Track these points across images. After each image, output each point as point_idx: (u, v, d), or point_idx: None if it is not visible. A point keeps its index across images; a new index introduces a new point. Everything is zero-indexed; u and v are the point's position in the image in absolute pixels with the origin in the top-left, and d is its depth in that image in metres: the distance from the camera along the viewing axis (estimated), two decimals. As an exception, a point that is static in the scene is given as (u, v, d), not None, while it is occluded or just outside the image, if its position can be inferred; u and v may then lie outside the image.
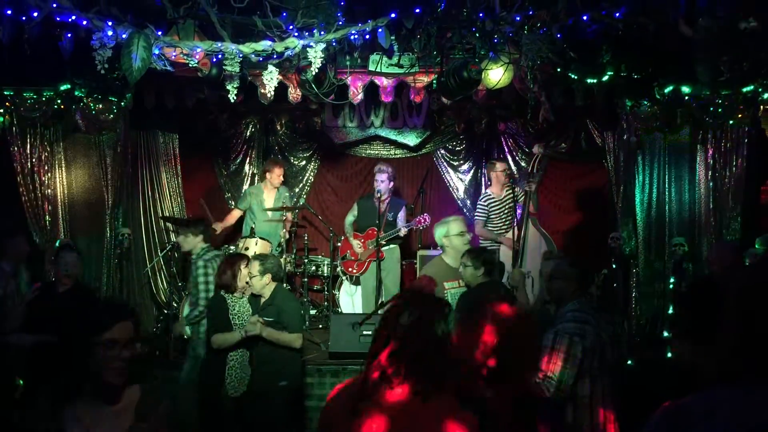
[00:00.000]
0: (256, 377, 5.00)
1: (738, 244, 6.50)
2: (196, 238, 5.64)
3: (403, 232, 7.19)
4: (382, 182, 7.13)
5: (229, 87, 5.46)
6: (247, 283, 5.07)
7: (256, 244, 7.24)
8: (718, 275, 4.15)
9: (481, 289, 4.69)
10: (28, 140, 7.19)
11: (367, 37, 5.20)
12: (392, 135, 8.91)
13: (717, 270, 4.25)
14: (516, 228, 6.82)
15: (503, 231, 7.27)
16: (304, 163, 9.21)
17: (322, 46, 4.97)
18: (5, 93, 6.85)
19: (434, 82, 6.51)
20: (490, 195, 7.43)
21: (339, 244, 7.97)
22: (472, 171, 9.16)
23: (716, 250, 5.98)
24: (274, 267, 5.02)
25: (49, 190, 7.30)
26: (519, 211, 7.04)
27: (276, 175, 7.91)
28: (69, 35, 5.10)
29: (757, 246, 6.20)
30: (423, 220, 7.13)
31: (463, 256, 4.88)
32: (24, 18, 4.45)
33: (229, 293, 5.09)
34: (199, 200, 8.44)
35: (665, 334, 6.77)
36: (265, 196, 7.94)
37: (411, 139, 8.93)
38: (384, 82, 6.86)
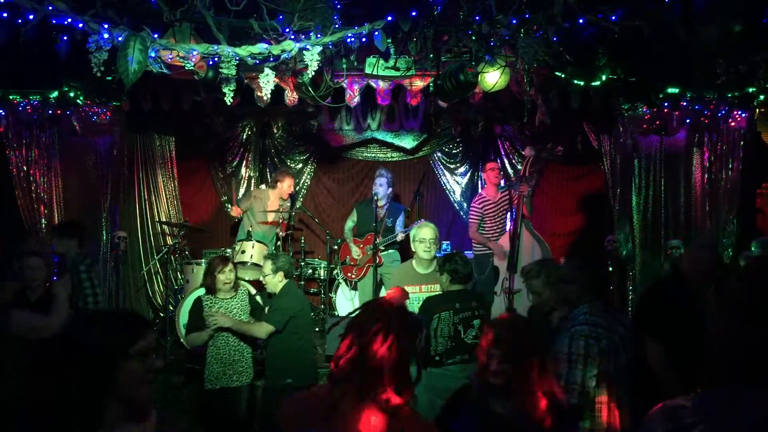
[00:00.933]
0: (268, 374, 5.10)
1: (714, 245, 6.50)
2: (71, 241, 5.58)
3: (400, 237, 7.18)
4: (381, 186, 7.11)
5: (225, 90, 5.46)
6: (226, 284, 5.12)
7: (253, 247, 7.23)
8: (691, 278, 4.15)
9: (437, 298, 4.74)
10: (24, 143, 7.19)
11: (364, 40, 5.20)
12: (389, 138, 8.91)
13: (692, 273, 4.23)
14: (509, 231, 6.82)
15: (497, 235, 7.27)
16: (300, 166, 9.20)
17: (319, 48, 4.97)
18: (1, 96, 6.84)
19: (431, 85, 6.51)
20: (484, 197, 7.42)
21: (336, 247, 7.95)
22: (468, 174, 9.17)
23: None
24: (285, 265, 5.11)
25: (45, 193, 7.29)
26: (514, 214, 7.04)
27: (287, 185, 7.86)
28: (65, 38, 5.09)
29: (753, 249, 6.21)
30: None
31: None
32: (20, 21, 4.44)
33: (211, 295, 5.15)
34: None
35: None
36: (269, 204, 7.87)
37: (408, 142, 8.94)
38: (380, 85, 6.86)
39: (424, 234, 5.21)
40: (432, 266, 5.14)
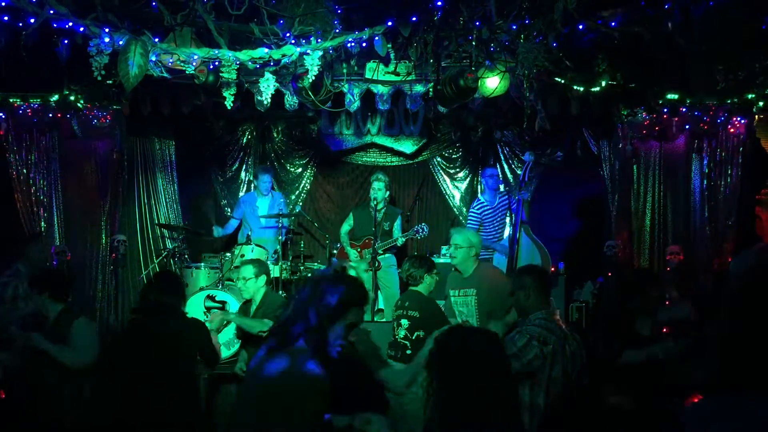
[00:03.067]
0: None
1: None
2: None
3: (400, 241, 7.18)
4: (379, 190, 7.11)
5: (225, 94, 5.46)
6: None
7: (252, 251, 7.22)
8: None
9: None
10: (24, 146, 7.19)
11: (364, 44, 5.21)
12: (388, 142, 8.91)
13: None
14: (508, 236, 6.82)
15: (496, 240, 7.27)
16: (300, 170, 9.21)
17: (319, 53, 4.98)
18: (1, 99, 6.85)
19: (431, 90, 6.52)
20: (482, 202, 7.43)
21: (335, 251, 7.95)
22: (468, 179, 9.17)
23: None
24: (268, 270, 4.96)
25: (45, 197, 7.29)
26: (514, 219, 7.04)
27: (261, 181, 7.95)
28: (66, 42, 5.11)
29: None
30: (421, 230, 7.11)
31: None
32: (21, 24, 4.45)
33: None
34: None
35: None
36: (259, 204, 7.93)
37: (407, 147, 8.94)
38: (380, 89, 6.87)
39: (451, 240, 5.27)
40: (470, 271, 5.15)
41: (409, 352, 4.70)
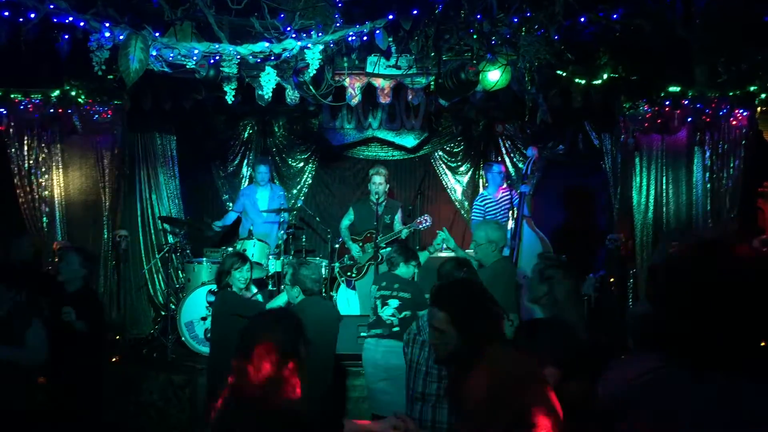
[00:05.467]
0: None
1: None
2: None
3: (404, 234, 7.19)
4: (380, 184, 7.12)
5: (226, 89, 5.46)
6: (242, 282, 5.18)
7: (254, 245, 7.23)
8: None
9: None
10: (26, 142, 7.19)
11: (365, 38, 5.21)
12: (390, 137, 8.90)
13: None
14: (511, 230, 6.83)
15: (499, 233, 7.27)
16: (301, 164, 9.20)
17: (320, 47, 4.97)
18: (2, 94, 6.84)
19: (432, 83, 6.51)
20: (486, 196, 7.44)
21: (336, 246, 7.96)
22: (470, 173, 9.16)
23: None
24: (306, 280, 4.68)
25: (46, 192, 7.30)
26: (516, 212, 7.04)
27: (258, 172, 8.00)
28: (66, 37, 5.10)
29: None
30: (424, 221, 7.13)
31: None
32: (21, 19, 4.45)
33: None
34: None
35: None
36: (258, 196, 7.93)
37: (409, 141, 8.93)
38: (381, 83, 6.86)
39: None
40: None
41: (396, 329, 4.96)
